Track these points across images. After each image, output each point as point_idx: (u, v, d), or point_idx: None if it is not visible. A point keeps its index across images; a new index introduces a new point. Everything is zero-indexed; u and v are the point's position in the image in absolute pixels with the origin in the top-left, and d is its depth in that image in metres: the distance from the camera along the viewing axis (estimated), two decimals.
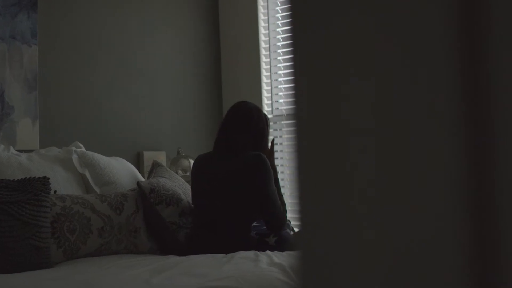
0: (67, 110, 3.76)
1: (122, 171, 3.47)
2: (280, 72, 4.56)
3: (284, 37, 4.53)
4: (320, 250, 0.54)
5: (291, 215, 3.53)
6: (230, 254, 2.64)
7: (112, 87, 4.04)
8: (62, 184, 3.08)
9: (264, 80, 4.61)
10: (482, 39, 0.46)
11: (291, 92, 0.56)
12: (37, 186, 2.67)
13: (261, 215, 3.02)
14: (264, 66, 4.62)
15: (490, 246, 0.45)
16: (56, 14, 3.77)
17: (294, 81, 0.55)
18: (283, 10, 4.55)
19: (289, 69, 0.55)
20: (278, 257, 2.56)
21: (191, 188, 3.21)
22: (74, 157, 3.31)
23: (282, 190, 3.48)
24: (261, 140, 3.11)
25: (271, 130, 3.29)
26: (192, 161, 3.99)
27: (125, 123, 4.09)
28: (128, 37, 4.19)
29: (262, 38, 4.63)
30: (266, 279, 2.19)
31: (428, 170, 0.48)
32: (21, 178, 2.69)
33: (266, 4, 4.61)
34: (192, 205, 3.19)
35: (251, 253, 2.64)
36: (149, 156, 4.09)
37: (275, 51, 4.58)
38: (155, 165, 3.58)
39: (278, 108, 4.57)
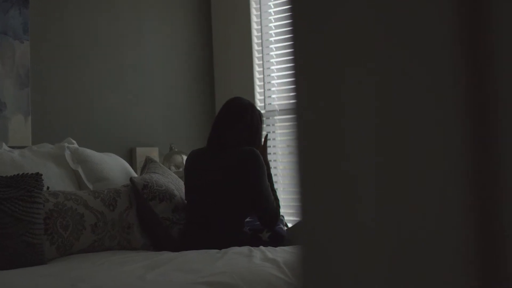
0: (60, 106, 3.75)
1: (115, 167, 3.46)
2: (272, 67, 4.56)
3: (277, 32, 4.53)
4: (320, 249, 0.54)
5: (284, 211, 3.54)
6: (223, 250, 2.64)
7: (104, 83, 4.03)
8: (55, 180, 3.07)
9: (257, 75, 4.61)
10: (485, 37, 0.46)
11: (291, 91, 0.56)
12: (30, 183, 2.66)
13: (255, 210, 3.02)
14: (256, 62, 4.62)
15: (493, 246, 0.45)
16: (48, 10, 3.75)
17: (295, 80, 0.55)
18: (275, 6, 4.54)
19: (289, 67, 0.55)
20: (272, 252, 2.56)
21: (184, 184, 3.21)
22: (67, 153, 3.30)
23: (275, 186, 3.48)
24: (254, 136, 3.12)
25: (263, 126, 3.29)
26: (184, 157, 3.99)
27: (117, 119, 4.08)
28: (121, 33, 4.17)
29: (255, 33, 4.62)
30: (260, 275, 2.19)
31: (427, 170, 0.48)
32: (14, 175, 2.68)
33: (258, 0, 4.61)
34: (185, 201, 3.19)
35: (244, 249, 2.64)
36: (141, 152, 4.08)
37: (268, 47, 4.58)
38: (148, 161, 3.57)
39: (270, 104, 4.57)
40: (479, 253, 0.46)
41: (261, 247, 2.71)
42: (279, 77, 4.54)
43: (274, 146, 4.51)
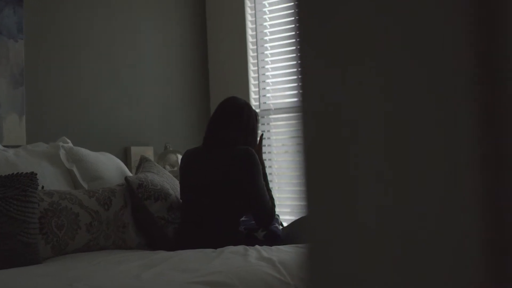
0: (54, 105, 3.74)
1: (110, 166, 3.46)
2: (267, 66, 4.56)
3: (271, 31, 4.53)
4: (323, 249, 0.54)
5: (279, 210, 3.54)
6: (219, 249, 2.64)
7: (99, 82, 4.02)
8: (50, 179, 3.06)
9: (252, 74, 4.61)
10: (497, 37, 0.46)
11: (296, 91, 0.56)
12: (24, 182, 2.65)
13: (250, 209, 3.02)
14: (251, 61, 4.61)
15: (497, 247, 0.46)
16: (43, 9, 3.74)
17: (300, 79, 0.55)
18: (270, 5, 4.54)
19: (294, 66, 0.55)
20: (267, 251, 2.57)
21: (180, 183, 3.21)
22: (62, 153, 3.29)
23: (270, 185, 3.48)
24: (250, 136, 3.12)
25: (259, 125, 3.29)
26: (179, 156, 3.98)
27: (112, 118, 4.07)
28: (115, 33, 4.17)
29: (249, 32, 4.62)
30: (256, 274, 2.19)
31: (429, 170, 0.48)
32: (9, 174, 2.67)
33: None
34: (181, 200, 3.19)
35: (240, 248, 2.64)
36: (136, 151, 4.07)
37: (262, 46, 4.57)
38: (143, 160, 3.57)
39: (265, 103, 4.57)
40: (483, 253, 0.46)
41: (257, 246, 2.71)
42: (274, 76, 4.54)
43: (269, 145, 4.52)
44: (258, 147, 3.17)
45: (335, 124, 0.53)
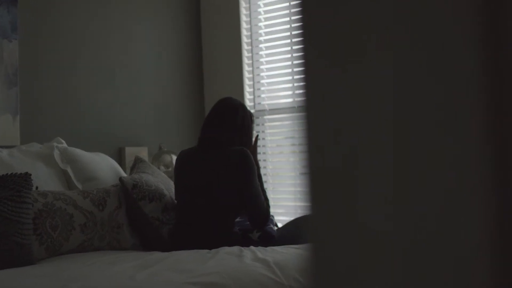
0: (48, 105, 3.73)
1: (104, 166, 3.45)
2: (262, 67, 4.56)
3: (266, 32, 4.53)
4: (326, 250, 0.54)
5: (274, 211, 3.53)
6: (214, 250, 2.64)
7: (93, 83, 4.01)
8: (44, 180, 3.05)
9: (246, 75, 4.60)
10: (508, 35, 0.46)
11: (299, 91, 0.56)
12: (19, 182, 2.64)
13: (245, 210, 3.02)
14: (246, 61, 4.61)
15: (505, 248, 0.45)
16: (37, 8, 3.73)
17: (303, 79, 0.55)
18: (265, 5, 4.54)
19: (291, 66, 0.54)
20: (262, 252, 2.56)
21: (174, 183, 3.20)
22: (56, 153, 3.28)
23: (265, 186, 3.48)
24: (245, 136, 3.12)
25: (254, 126, 3.29)
26: (174, 157, 3.98)
27: (107, 119, 4.06)
28: (110, 33, 4.16)
29: (244, 32, 4.62)
30: (251, 275, 2.19)
31: (432, 171, 0.48)
32: (3, 174, 2.66)
33: None
34: (175, 201, 3.18)
35: (235, 249, 2.64)
36: (131, 152, 4.06)
37: (257, 46, 4.57)
38: (138, 160, 3.56)
39: (260, 103, 4.57)
40: (485, 254, 0.46)
41: (252, 247, 2.71)
42: (268, 77, 4.54)
43: (263, 146, 4.51)
44: (253, 148, 3.17)
45: (336, 125, 0.53)
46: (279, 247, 2.74)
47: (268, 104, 4.53)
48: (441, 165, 0.48)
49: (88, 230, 2.85)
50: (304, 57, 0.54)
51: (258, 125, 4.51)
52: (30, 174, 2.72)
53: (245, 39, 4.62)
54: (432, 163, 0.48)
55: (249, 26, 4.61)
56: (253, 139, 3.22)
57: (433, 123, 0.48)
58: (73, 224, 2.80)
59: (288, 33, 4.40)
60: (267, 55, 4.54)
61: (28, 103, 3.59)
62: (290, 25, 4.38)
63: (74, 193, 2.95)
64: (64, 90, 3.83)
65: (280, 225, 3.36)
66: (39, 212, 2.70)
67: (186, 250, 2.70)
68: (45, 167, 3.16)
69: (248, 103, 4.55)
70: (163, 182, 3.33)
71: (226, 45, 4.69)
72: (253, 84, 4.58)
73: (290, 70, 4.40)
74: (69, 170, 3.26)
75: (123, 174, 3.49)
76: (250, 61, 4.60)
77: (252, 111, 4.38)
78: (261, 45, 4.56)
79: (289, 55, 4.40)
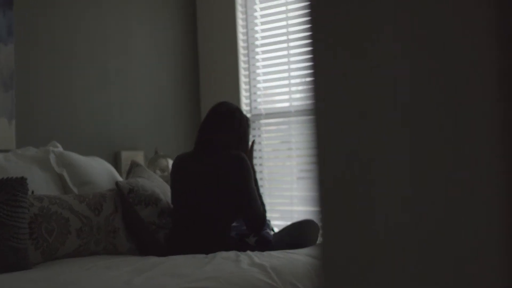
0: (44, 109, 3.72)
1: (100, 171, 3.44)
2: (258, 71, 4.56)
3: (263, 36, 4.53)
4: (336, 252, 0.53)
5: (270, 215, 3.53)
6: (211, 255, 2.63)
7: (89, 86, 4.01)
8: (40, 184, 3.04)
9: (243, 79, 4.60)
10: None
11: (307, 93, 0.55)
12: (14, 187, 2.63)
13: (241, 215, 3.01)
14: (242, 66, 4.61)
15: None
16: (33, 12, 3.72)
17: (311, 81, 0.54)
18: (261, 9, 4.54)
19: (306, 66, 0.53)
20: (259, 257, 2.56)
21: (171, 188, 3.20)
22: (52, 157, 3.27)
23: (261, 190, 3.47)
24: (242, 141, 3.11)
25: (250, 130, 3.28)
26: (170, 161, 3.97)
27: (102, 123, 4.05)
28: (106, 37, 4.15)
29: (240, 37, 4.62)
30: (248, 280, 2.19)
31: (451, 171, 0.47)
32: None
33: (244, 2, 4.61)
34: (172, 205, 3.18)
35: (232, 254, 2.63)
36: (126, 156, 4.05)
37: (253, 50, 4.57)
38: (134, 165, 3.55)
39: (256, 108, 4.57)
40: (504, 256, 0.46)
41: (248, 251, 2.71)
42: (265, 81, 4.54)
43: (260, 150, 4.51)
44: (249, 153, 3.17)
45: (346, 125, 0.52)
46: (276, 252, 2.73)
47: (264, 109, 4.53)
48: (459, 165, 0.47)
49: (84, 234, 2.84)
50: (312, 58, 0.54)
51: (254, 129, 4.51)
52: (26, 178, 2.71)
53: (241, 43, 4.62)
54: (453, 163, 0.48)
55: (245, 30, 4.61)
56: (249, 143, 3.21)
57: (446, 123, 0.48)
58: (69, 229, 2.79)
59: (285, 37, 4.40)
60: (264, 59, 4.53)
61: (24, 107, 3.58)
62: (287, 29, 4.38)
63: (70, 197, 2.94)
64: (60, 94, 3.82)
65: (276, 229, 3.35)
66: (35, 216, 2.69)
67: (183, 254, 2.69)
68: (41, 171, 3.15)
69: (244, 107, 4.55)
70: (159, 186, 3.32)
71: (222, 49, 4.69)
72: (249, 88, 4.58)
73: (286, 75, 4.40)
74: (65, 174, 3.25)
75: (119, 178, 3.48)
76: (247, 65, 4.60)
77: (248, 115, 4.38)
78: (257, 49, 4.56)
79: (286, 60, 4.40)
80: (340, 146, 0.53)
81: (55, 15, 3.85)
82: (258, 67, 4.56)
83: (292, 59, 4.36)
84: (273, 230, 3.23)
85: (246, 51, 4.60)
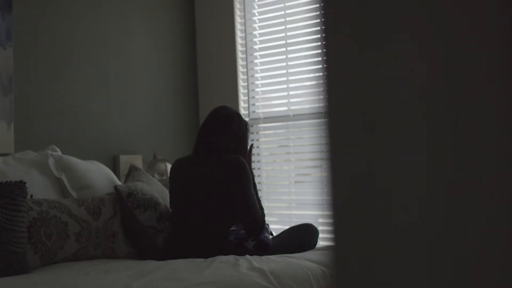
0: (43, 113, 3.72)
1: (99, 175, 3.44)
2: (256, 75, 4.56)
3: (261, 40, 4.53)
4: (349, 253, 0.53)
5: (268, 219, 3.53)
6: (210, 259, 2.63)
7: (88, 90, 4.01)
8: (38, 188, 3.04)
9: (241, 83, 4.61)
10: None
11: (319, 95, 0.55)
12: (13, 191, 2.63)
13: (240, 218, 3.01)
14: (240, 70, 4.61)
15: None
16: (32, 16, 3.72)
17: (324, 83, 0.54)
18: (260, 14, 4.55)
19: (320, 69, 0.53)
20: (258, 261, 2.56)
21: (169, 192, 3.20)
22: (51, 161, 3.27)
23: (259, 194, 3.47)
24: (241, 145, 3.12)
25: (249, 135, 3.29)
26: (168, 165, 3.97)
27: (101, 127, 4.05)
28: (105, 41, 4.16)
29: (239, 41, 4.62)
30: (247, 284, 2.19)
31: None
32: None
33: (242, 7, 4.61)
34: (170, 209, 3.18)
35: (231, 258, 2.63)
36: (125, 160, 4.05)
37: (252, 54, 4.58)
38: (133, 169, 3.55)
39: (254, 112, 4.57)
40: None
41: (247, 256, 2.71)
42: (263, 85, 4.54)
43: (258, 154, 4.51)
44: (247, 157, 3.17)
45: (358, 127, 0.53)
46: (274, 256, 2.73)
47: (262, 113, 4.53)
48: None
49: (83, 238, 2.84)
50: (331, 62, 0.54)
51: (252, 133, 4.51)
52: (25, 182, 2.71)
53: (239, 48, 4.62)
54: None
55: (243, 34, 4.61)
56: (248, 148, 3.22)
57: (457, 123, 0.48)
58: (68, 233, 2.79)
59: (283, 42, 4.40)
60: (262, 63, 4.54)
61: (23, 110, 3.58)
62: (285, 34, 4.39)
63: (69, 201, 2.94)
64: (59, 98, 3.82)
65: (275, 233, 3.35)
66: (34, 220, 2.69)
67: (181, 259, 2.69)
68: (40, 175, 3.14)
69: (243, 112, 4.55)
70: (158, 190, 3.32)
71: (220, 53, 4.69)
72: (248, 92, 4.58)
73: (284, 79, 4.40)
74: (63, 178, 3.25)
75: (118, 182, 3.48)
76: (245, 70, 4.60)
77: (246, 119, 4.39)
78: (255, 54, 4.56)
79: (284, 64, 4.40)
80: (353, 147, 0.54)
81: (54, 19, 3.85)
82: (256, 71, 4.56)
83: (290, 63, 4.36)
84: (271, 234, 3.23)
85: (244, 55, 4.61)
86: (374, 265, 0.52)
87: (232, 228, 3.07)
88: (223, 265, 2.49)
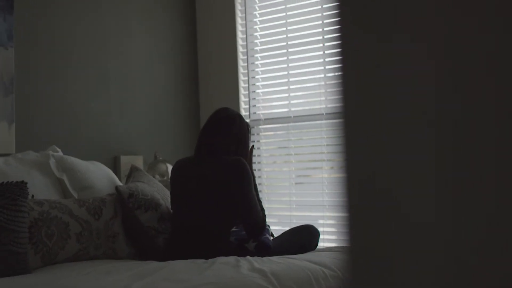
0: (44, 113, 3.72)
1: (100, 175, 3.44)
2: (257, 76, 4.56)
3: (262, 41, 4.53)
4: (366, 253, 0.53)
5: (269, 220, 3.53)
6: (210, 260, 2.63)
7: (89, 91, 4.01)
8: (39, 188, 3.04)
9: (242, 84, 4.61)
10: None
11: (337, 92, 0.55)
12: (14, 191, 2.63)
13: (241, 220, 3.01)
14: (241, 71, 4.62)
15: None
16: (33, 16, 3.73)
17: (341, 83, 0.54)
18: (261, 15, 4.55)
19: (336, 69, 0.53)
20: (259, 262, 2.56)
21: (170, 193, 3.20)
22: (52, 161, 3.27)
23: (260, 195, 3.47)
24: (242, 146, 3.12)
25: (250, 136, 3.29)
26: (169, 166, 3.97)
27: (102, 127, 4.06)
28: (106, 42, 4.16)
29: (240, 42, 4.63)
30: (248, 285, 2.19)
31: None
32: None
33: (243, 8, 4.62)
34: (171, 210, 3.18)
35: (231, 259, 2.63)
36: (126, 161, 4.06)
37: (253, 56, 4.58)
38: (134, 169, 3.55)
39: (255, 113, 4.57)
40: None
41: (248, 257, 2.70)
42: (264, 86, 4.54)
43: (259, 155, 4.51)
44: (248, 158, 3.17)
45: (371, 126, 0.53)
46: (275, 257, 2.73)
47: (263, 114, 4.53)
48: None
49: (83, 239, 2.84)
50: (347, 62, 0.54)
51: (253, 134, 4.51)
52: (26, 183, 2.71)
53: (240, 49, 4.63)
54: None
55: (244, 35, 4.61)
56: (249, 149, 3.22)
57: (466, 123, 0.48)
58: (69, 233, 2.79)
59: (284, 43, 4.41)
60: (263, 64, 4.54)
61: (24, 111, 3.58)
62: (286, 35, 4.39)
63: (70, 202, 2.94)
64: (60, 98, 3.82)
65: (275, 234, 3.35)
66: (35, 220, 2.69)
67: (182, 259, 2.69)
68: (41, 176, 3.15)
69: (244, 113, 4.56)
70: (159, 191, 3.32)
71: (221, 54, 4.69)
72: (249, 93, 4.58)
73: (285, 80, 4.41)
74: (64, 178, 3.25)
75: (119, 183, 3.48)
76: (246, 71, 4.60)
77: (247, 120, 4.39)
78: (256, 55, 4.56)
79: (285, 65, 4.40)
80: (367, 147, 0.54)
81: (54, 19, 3.85)
82: (257, 73, 4.56)
83: (291, 64, 4.37)
84: (272, 235, 3.23)
85: (245, 56, 4.61)
86: (381, 265, 0.52)
87: (233, 229, 3.07)
88: (224, 266, 2.49)
